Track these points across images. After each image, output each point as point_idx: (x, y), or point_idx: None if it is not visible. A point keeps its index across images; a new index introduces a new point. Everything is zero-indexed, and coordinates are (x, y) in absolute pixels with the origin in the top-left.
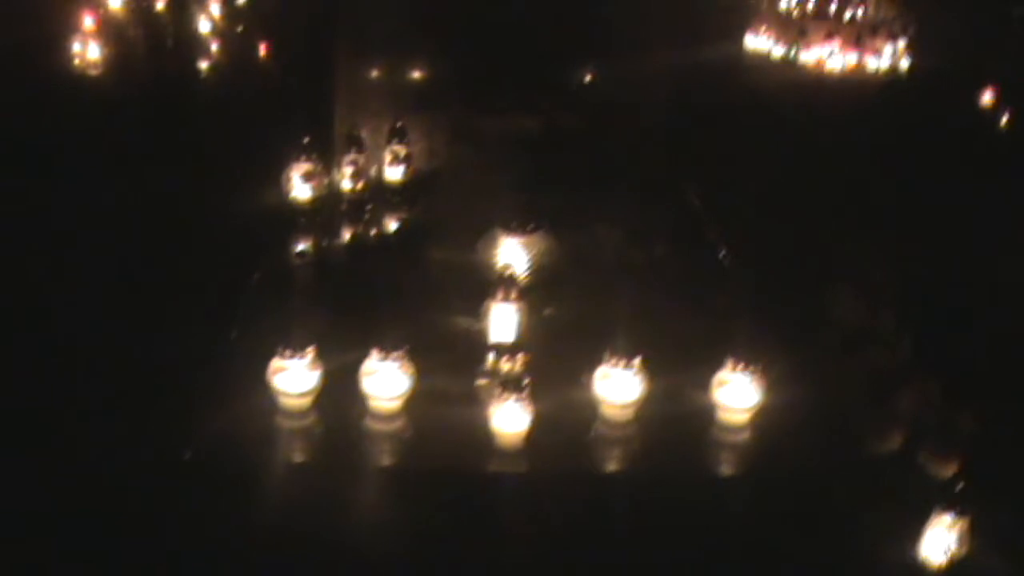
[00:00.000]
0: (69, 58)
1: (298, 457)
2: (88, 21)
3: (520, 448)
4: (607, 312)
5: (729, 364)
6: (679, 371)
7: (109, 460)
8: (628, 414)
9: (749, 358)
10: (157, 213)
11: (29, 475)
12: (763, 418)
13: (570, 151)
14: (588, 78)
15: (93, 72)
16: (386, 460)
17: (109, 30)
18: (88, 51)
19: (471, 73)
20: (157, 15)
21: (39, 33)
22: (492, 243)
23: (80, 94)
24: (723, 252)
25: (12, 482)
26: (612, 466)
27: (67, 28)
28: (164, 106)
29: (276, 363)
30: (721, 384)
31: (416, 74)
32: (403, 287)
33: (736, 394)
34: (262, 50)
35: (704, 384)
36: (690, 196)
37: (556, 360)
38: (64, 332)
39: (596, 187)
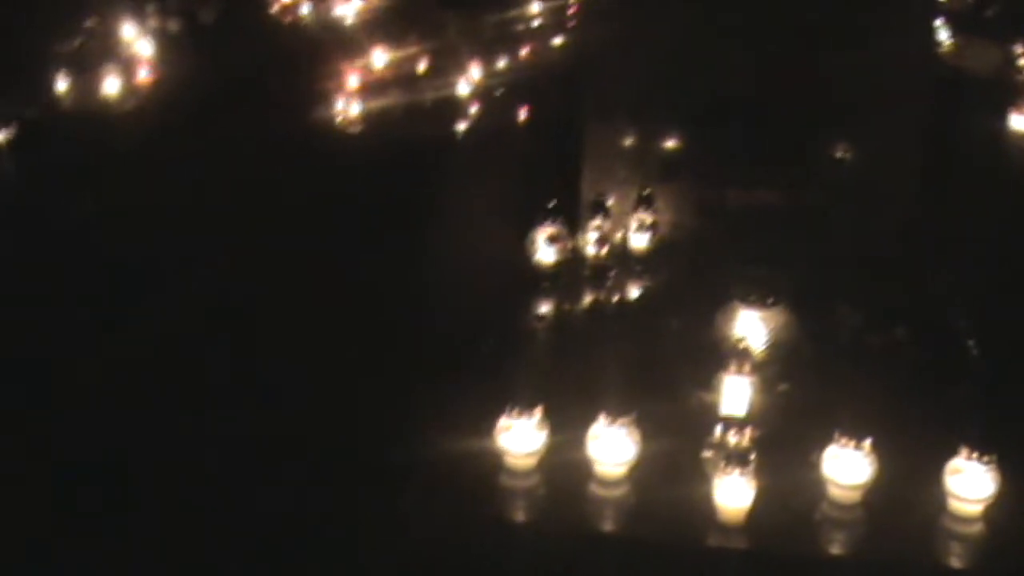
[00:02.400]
0: (332, 115)
1: (519, 517)
2: (352, 80)
3: (742, 524)
4: (841, 391)
5: (964, 452)
6: (911, 456)
7: (332, 521)
8: (856, 497)
9: (986, 448)
10: (399, 270)
11: (239, 535)
12: (999, 511)
13: (814, 227)
14: (838, 153)
15: (354, 130)
16: (607, 526)
17: (371, 89)
18: (350, 109)
19: (718, 144)
20: (418, 76)
21: (308, 90)
22: (730, 316)
23: (340, 150)
24: (969, 339)
25: (224, 540)
26: (836, 549)
27: (333, 86)
28: (419, 166)
29: (503, 422)
30: (955, 472)
31: (664, 143)
32: (638, 354)
33: (970, 484)
34: (520, 114)
35: (937, 471)
36: (937, 280)
37: (785, 437)
38: (293, 391)
39: (838, 265)
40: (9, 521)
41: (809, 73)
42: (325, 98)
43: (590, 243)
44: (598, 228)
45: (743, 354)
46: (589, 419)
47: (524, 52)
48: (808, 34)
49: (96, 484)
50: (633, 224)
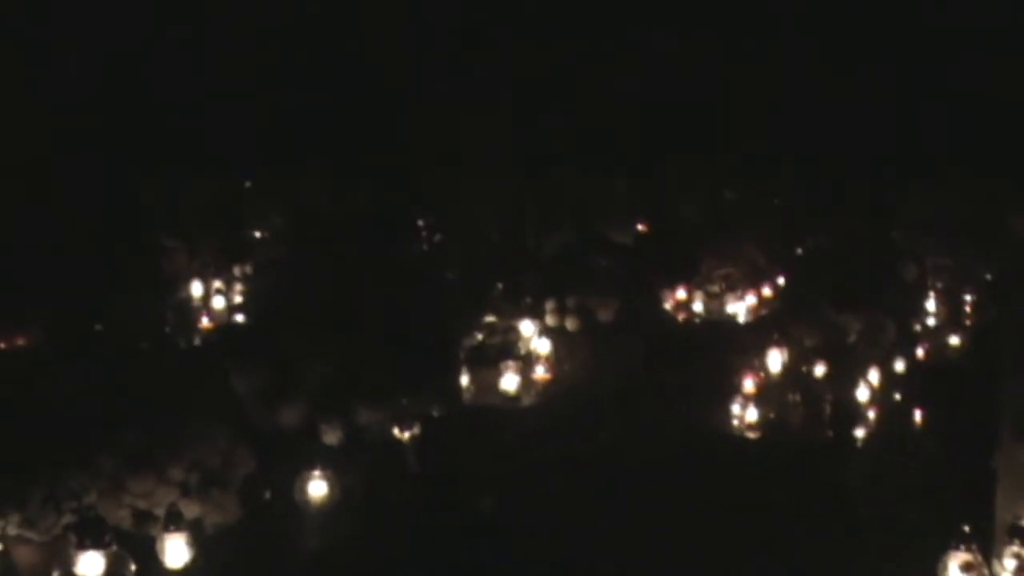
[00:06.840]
0: (728, 419)
1: None
2: (748, 383)
3: None
4: None
5: None
6: None
7: None
8: None
9: None
10: None
11: None
12: None
13: None
14: None
15: (751, 434)
16: None
17: (768, 393)
18: (747, 413)
19: None
20: (815, 380)
21: (704, 389)
22: None
23: (738, 458)
24: None
25: None
26: None
27: (728, 389)
28: (818, 472)
29: None
30: None
31: None
32: None
33: None
34: (919, 420)
35: None
36: None
37: None
38: None
39: None
40: None
41: None
42: (722, 399)
43: (1007, 572)
44: (1016, 555)
45: None
46: None
47: (923, 352)
48: None
49: None
50: None
